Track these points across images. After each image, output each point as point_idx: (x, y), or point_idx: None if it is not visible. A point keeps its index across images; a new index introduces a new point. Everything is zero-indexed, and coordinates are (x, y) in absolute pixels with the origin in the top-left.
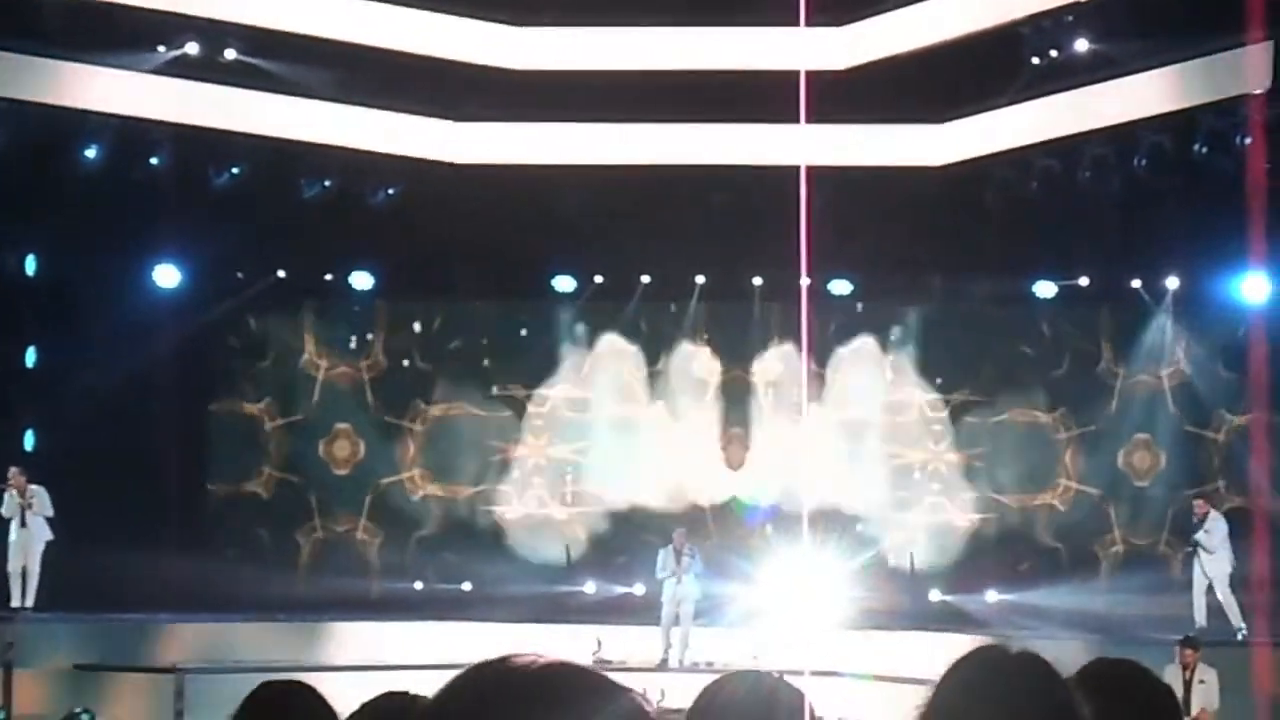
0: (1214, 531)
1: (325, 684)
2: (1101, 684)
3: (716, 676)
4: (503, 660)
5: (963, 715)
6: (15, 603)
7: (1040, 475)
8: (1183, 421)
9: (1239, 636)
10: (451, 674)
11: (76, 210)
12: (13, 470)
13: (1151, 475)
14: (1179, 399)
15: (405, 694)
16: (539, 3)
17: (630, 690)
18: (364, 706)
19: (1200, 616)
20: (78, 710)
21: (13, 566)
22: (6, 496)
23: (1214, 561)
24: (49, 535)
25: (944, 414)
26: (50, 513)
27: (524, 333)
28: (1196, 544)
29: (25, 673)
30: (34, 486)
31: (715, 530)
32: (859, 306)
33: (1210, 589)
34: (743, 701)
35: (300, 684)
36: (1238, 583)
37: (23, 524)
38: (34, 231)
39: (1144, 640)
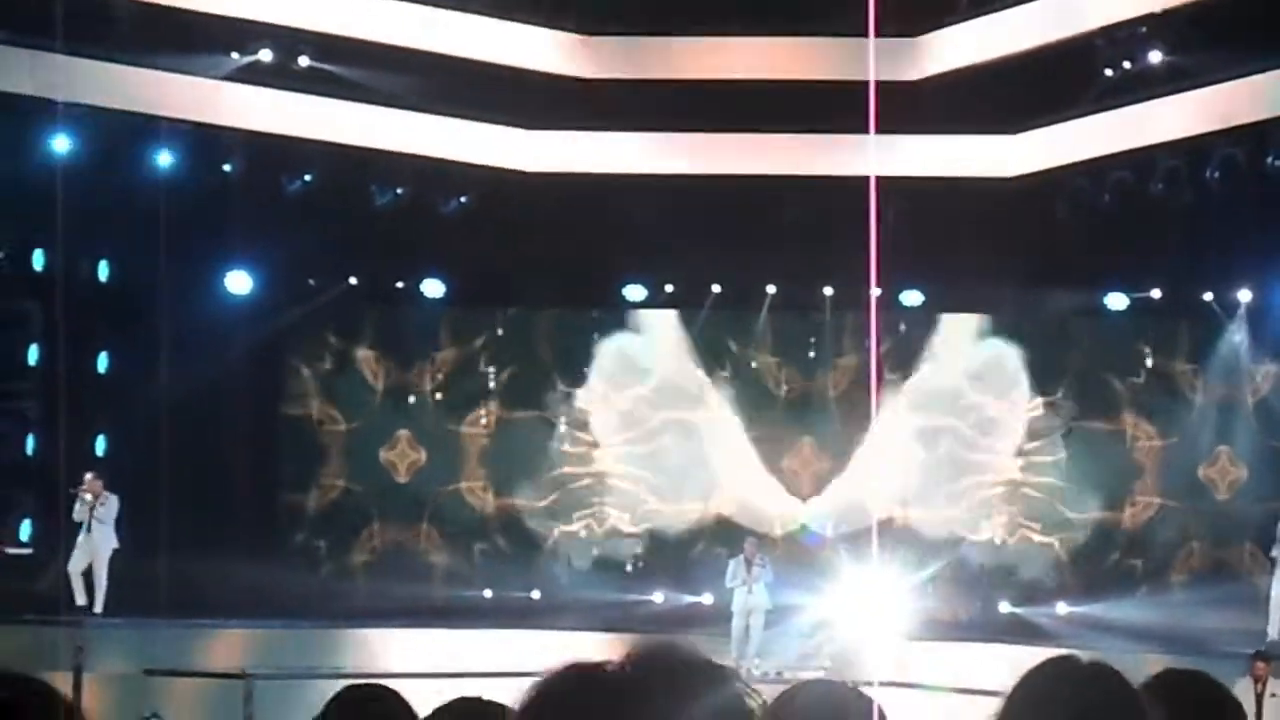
0: None
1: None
2: (1170, 694)
3: (788, 686)
4: (590, 661)
5: None
6: (80, 601)
7: (1116, 487)
8: (1263, 435)
9: None
10: (523, 681)
11: (149, 216)
12: (89, 476)
13: (1233, 488)
14: (1259, 412)
15: (479, 699)
16: (610, 13)
17: (731, 676)
18: (438, 711)
19: (1274, 630)
20: (147, 715)
21: (74, 566)
22: (79, 502)
23: None
24: (114, 543)
25: (1020, 425)
26: (114, 519)
27: (594, 341)
28: (1277, 557)
29: (95, 677)
30: (109, 494)
31: (783, 543)
32: (931, 317)
33: None
34: (815, 710)
35: (384, 688)
36: None
37: (88, 529)
38: (107, 237)
39: (1217, 654)
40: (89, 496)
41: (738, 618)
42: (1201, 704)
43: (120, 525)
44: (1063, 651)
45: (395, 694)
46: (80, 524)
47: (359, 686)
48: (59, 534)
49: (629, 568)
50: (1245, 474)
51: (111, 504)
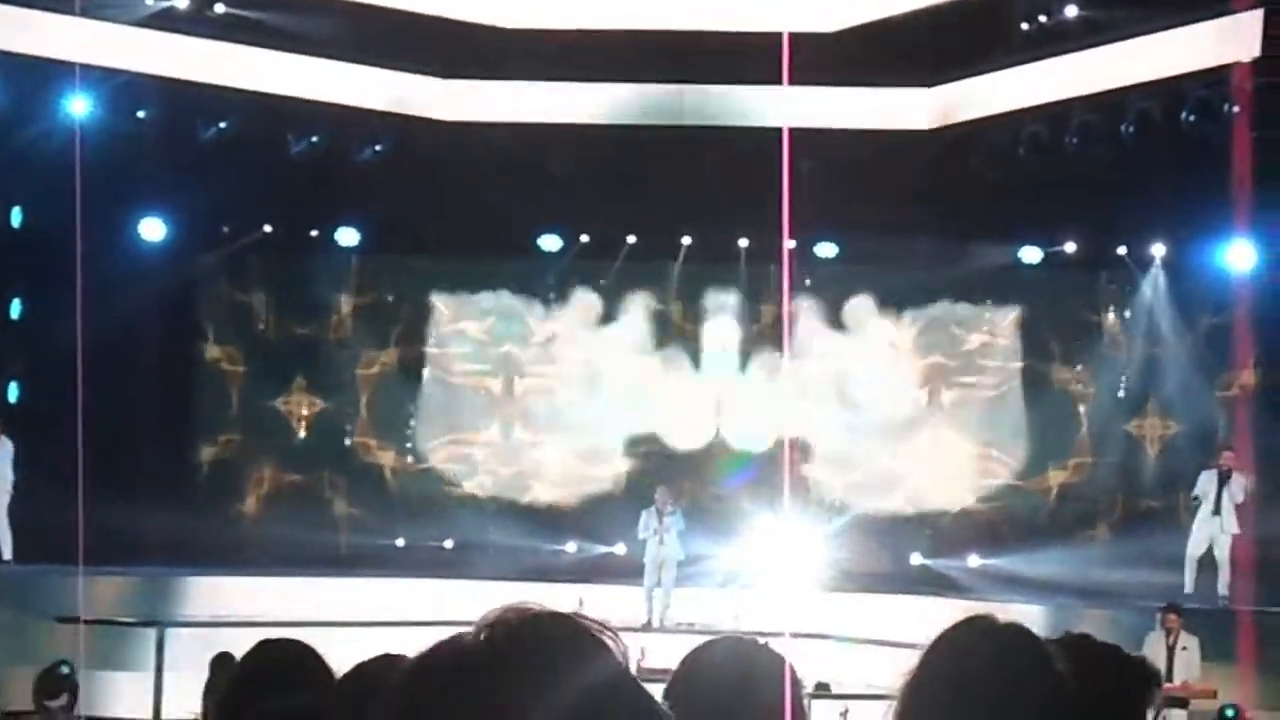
0: (1235, 487)
1: (308, 638)
2: (1076, 655)
3: (698, 638)
4: (485, 622)
5: (950, 681)
6: None
7: (1036, 440)
8: (1183, 389)
9: (1221, 603)
10: (433, 631)
11: (63, 163)
12: None
13: (1159, 443)
14: (1178, 365)
15: (402, 656)
16: None
17: (607, 645)
18: (358, 667)
19: (1190, 583)
20: (58, 662)
21: None
22: None
23: (1222, 520)
24: (9, 485)
25: (930, 377)
26: (9, 461)
27: (507, 291)
28: (1197, 499)
29: (3, 624)
30: (3, 437)
31: (694, 484)
32: (845, 269)
33: (1209, 550)
34: (723, 666)
35: (299, 643)
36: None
37: None
38: (20, 184)
39: (1132, 607)
40: None
41: (649, 567)
42: (1103, 662)
43: (18, 466)
44: (978, 609)
45: (310, 649)
46: None
47: (272, 641)
48: None
49: (541, 517)
50: (1171, 428)
51: (5, 447)
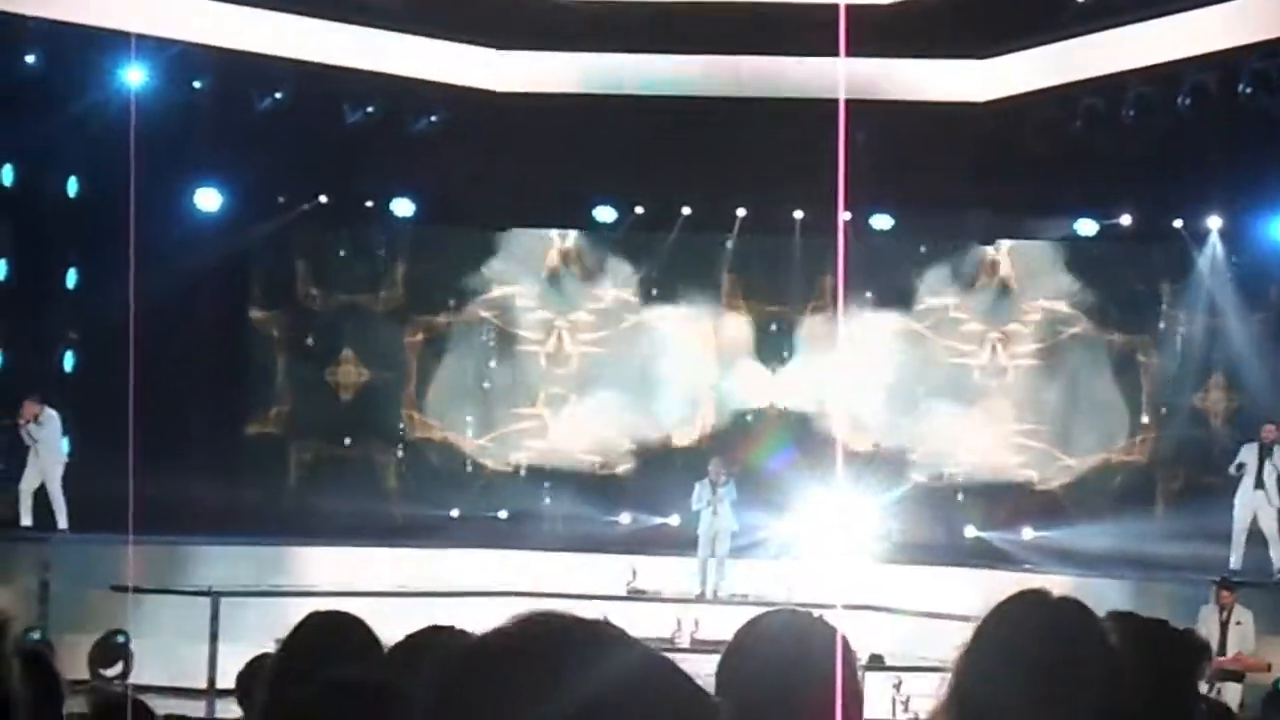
0: (1278, 459)
1: (360, 609)
2: (1129, 629)
3: (751, 609)
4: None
5: (1004, 655)
6: (25, 521)
7: (1093, 414)
8: (1246, 363)
9: (1276, 576)
10: (487, 601)
11: (119, 133)
12: (26, 402)
13: (1219, 416)
14: (1239, 340)
15: (451, 629)
16: None
17: (636, 640)
18: (409, 639)
19: (1236, 559)
20: (113, 630)
21: (25, 485)
22: (23, 432)
23: (1267, 493)
24: (63, 457)
25: (989, 350)
26: (58, 434)
27: (561, 262)
28: (1243, 468)
29: (60, 593)
30: (49, 410)
31: (749, 456)
32: (900, 241)
33: (1255, 523)
34: (778, 638)
35: (347, 614)
36: None
37: (36, 451)
38: (76, 154)
39: (1184, 580)
40: (24, 420)
41: (703, 539)
42: (1160, 641)
43: (72, 437)
44: (1032, 584)
45: (359, 620)
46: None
47: (321, 613)
48: (24, 452)
49: (598, 488)
50: (1235, 402)
51: (51, 421)
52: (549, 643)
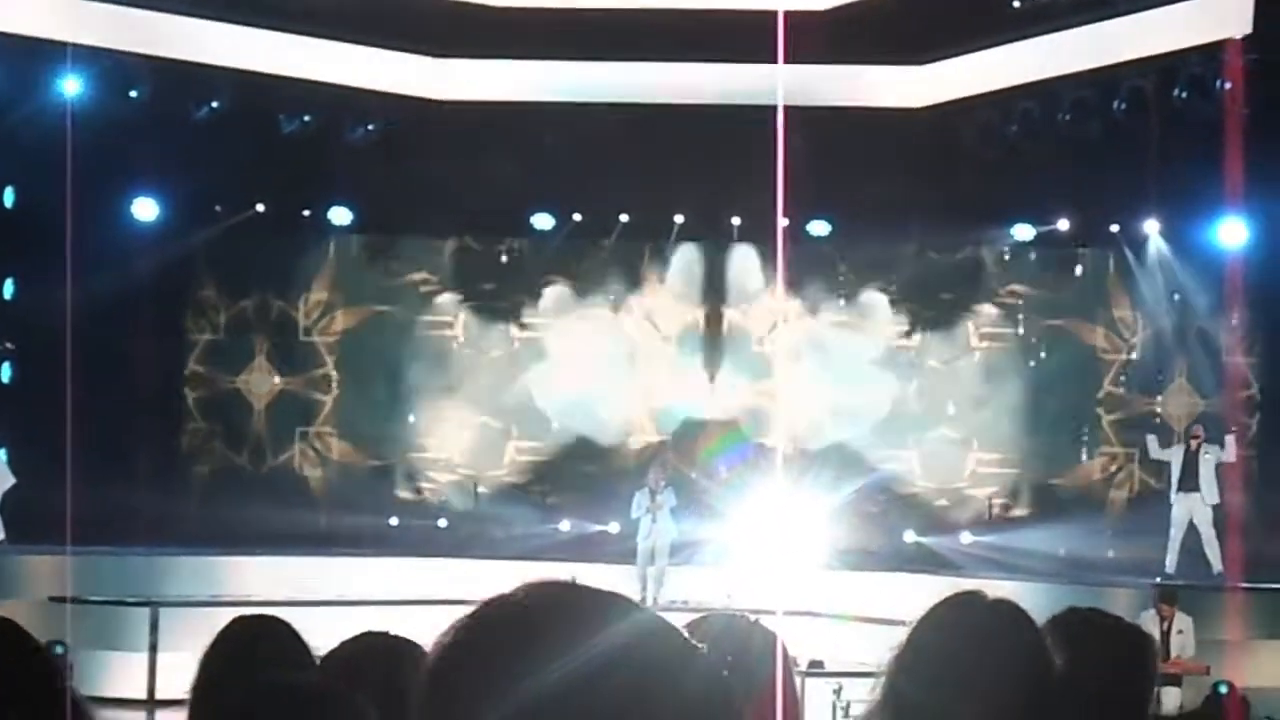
0: (1208, 462)
1: (296, 619)
2: (1073, 632)
3: (691, 616)
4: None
5: (937, 658)
6: None
7: (1030, 417)
8: (1197, 365)
9: (1216, 578)
10: (424, 610)
11: (55, 143)
12: None
13: (1169, 416)
14: (1177, 343)
15: (385, 634)
16: None
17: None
18: (342, 645)
19: (1171, 564)
20: (51, 641)
21: None
22: None
23: (1202, 497)
24: (9, 479)
25: (924, 355)
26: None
27: (502, 270)
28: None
29: None
30: None
31: (686, 463)
32: (837, 247)
33: (1191, 527)
34: (716, 643)
35: (273, 618)
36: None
37: None
38: (12, 164)
39: (1122, 585)
40: None
41: (642, 545)
42: (1103, 638)
43: (6, 449)
44: (967, 586)
45: (285, 624)
46: None
47: (246, 618)
48: None
49: (533, 498)
50: (1197, 406)
51: None
52: (560, 604)
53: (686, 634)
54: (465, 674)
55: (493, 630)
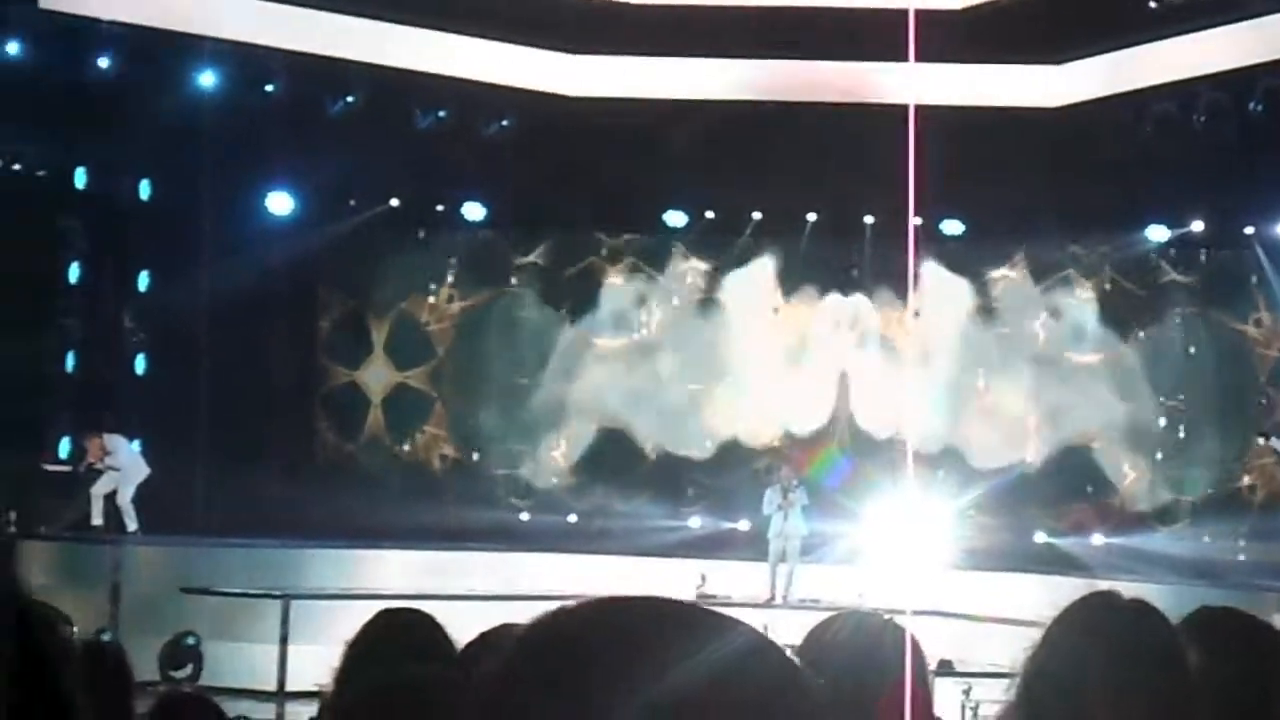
0: None
1: (432, 612)
2: (1208, 632)
3: (822, 614)
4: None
5: (1073, 659)
6: (95, 522)
7: (1163, 421)
8: None
9: None
10: (556, 605)
11: (192, 136)
12: (89, 443)
13: None
14: None
15: (519, 627)
16: None
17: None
18: (481, 636)
19: None
20: (182, 633)
21: (97, 489)
22: (99, 467)
23: None
24: (143, 472)
25: (1058, 355)
26: (131, 456)
27: (636, 268)
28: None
29: (131, 595)
30: (111, 437)
31: (819, 462)
32: (971, 247)
33: None
34: (849, 641)
35: (418, 611)
36: None
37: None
38: (149, 157)
39: (1256, 588)
40: (93, 460)
41: (774, 543)
42: (1239, 638)
43: (141, 440)
44: (1102, 587)
45: (430, 618)
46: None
47: (393, 610)
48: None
49: (671, 492)
50: None
51: (120, 447)
52: (637, 620)
53: (804, 643)
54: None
55: (545, 658)
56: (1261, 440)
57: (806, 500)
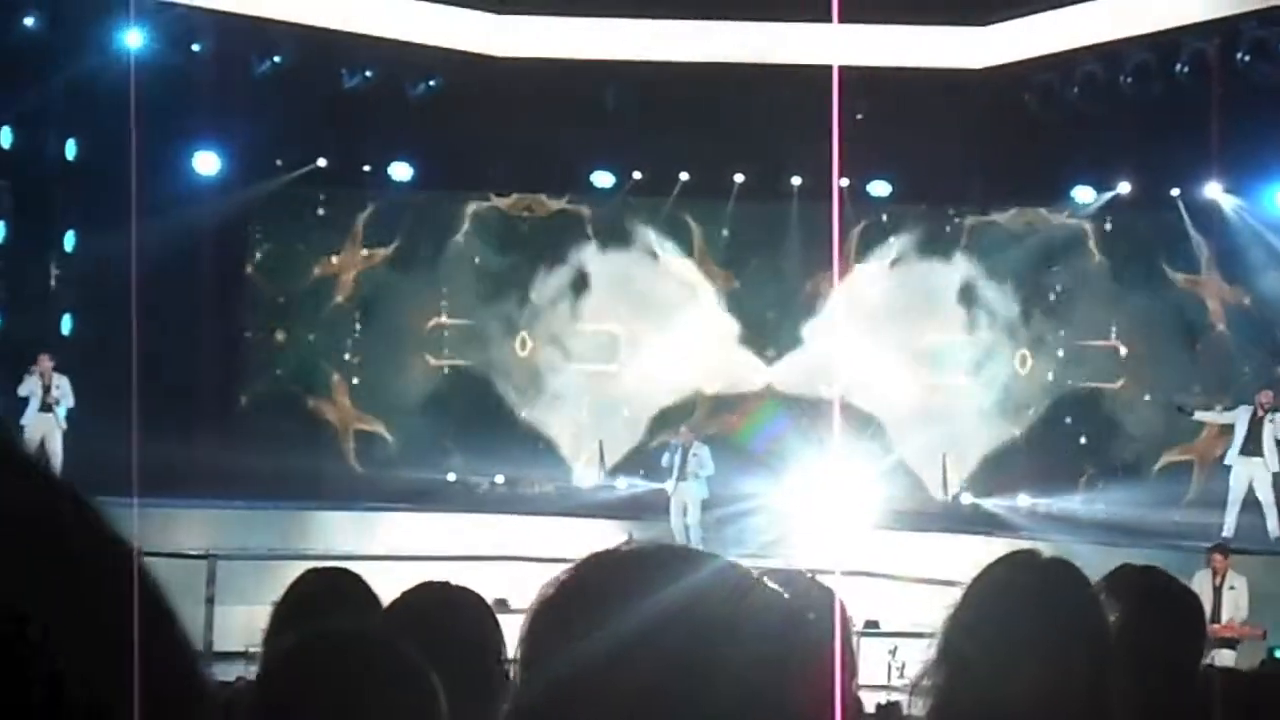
0: (1273, 428)
1: (358, 572)
2: (1128, 590)
3: None
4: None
5: (993, 616)
6: None
7: (1090, 380)
8: (1241, 334)
9: (1275, 544)
10: (481, 565)
11: (117, 96)
12: (42, 357)
13: (1210, 385)
14: (1241, 314)
15: (445, 584)
16: None
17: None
18: (403, 595)
19: (1229, 528)
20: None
21: (32, 435)
22: (28, 378)
23: (1265, 463)
24: (63, 425)
25: (983, 316)
26: (71, 403)
27: (564, 229)
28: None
29: None
30: (59, 376)
31: (744, 424)
32: (897, 209)
33: (1251, 490)
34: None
35: (346, 571)
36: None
37: (43, 408)
38: (75, 116)
39: (1177, 547)
40: (39, 375)
41: (674, 507)
42: (1156, 597)
43: (73, 409)
44: (1023, 545)
45: (357, 577)
46: (25, 399)
47: (320, 569)
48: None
49: (593, 455)
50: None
51: (65, 387)
52: (652, 561)
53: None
54: (564, 625)
55: (589, 585)
56: (1180, 411)
57: (710, 466)
